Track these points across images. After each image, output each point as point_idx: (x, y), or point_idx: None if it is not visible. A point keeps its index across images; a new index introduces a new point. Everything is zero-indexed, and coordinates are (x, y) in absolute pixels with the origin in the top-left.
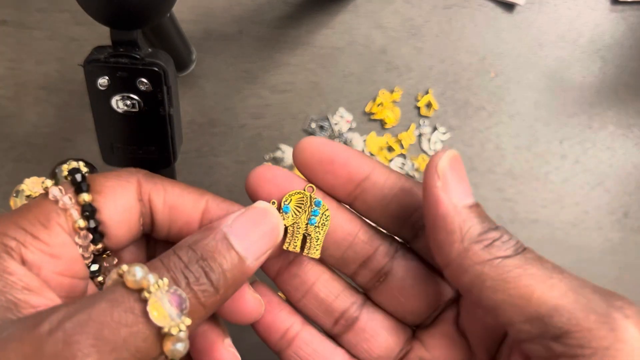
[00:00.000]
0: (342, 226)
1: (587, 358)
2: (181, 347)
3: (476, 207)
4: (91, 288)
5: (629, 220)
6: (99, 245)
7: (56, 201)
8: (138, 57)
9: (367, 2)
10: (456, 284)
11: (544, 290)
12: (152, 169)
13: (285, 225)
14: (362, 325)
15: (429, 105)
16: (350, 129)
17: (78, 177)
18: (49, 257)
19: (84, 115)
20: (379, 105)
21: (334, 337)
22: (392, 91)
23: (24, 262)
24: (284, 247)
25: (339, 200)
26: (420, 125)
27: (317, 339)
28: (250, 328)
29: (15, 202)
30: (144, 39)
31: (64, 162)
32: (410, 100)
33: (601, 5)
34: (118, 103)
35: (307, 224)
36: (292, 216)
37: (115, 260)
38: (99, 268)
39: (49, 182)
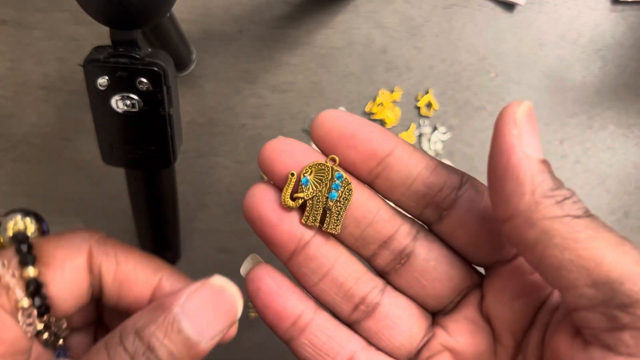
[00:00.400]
0: (363, 203)
1: None
2: None
3: (547, 163)
4: (36, 346)
5: (630, 220)
6: (44, 317)
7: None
8: (138, 57)
9: (367, 2)
10: (518, 239)
11: (616, 255)
12: (151, 169)
13: (304, 198)
14: (385, 311)
15: (429, 105)
16: None
17: (24, 247)
18: None
19: (84, 115)
20: (379, 105)
21: (351, 325)
22: (392, 91)
23: None
24: (302, 222)
25: (358, 178)
26: (420, 125)
27: (332, 326)
28: (250, 328)
29: None
30: (143, 38)
31: (10, 213)
32: (411, 100)
33: (601, 5)
34: (118, 103)
35: (327, 197)
36: (312, 189)
37: (65, 323)
38: (45, 325)
39: None
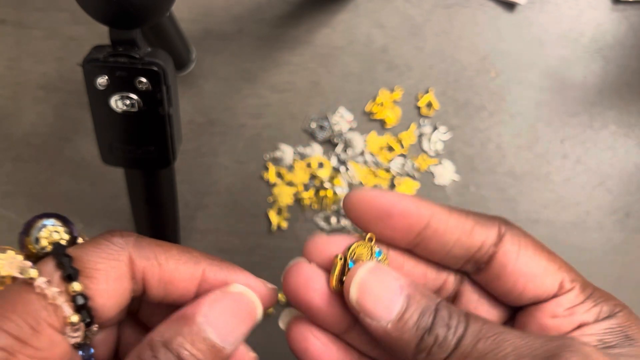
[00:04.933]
0: (411, 271)
1: None
2: None
3: (403, 314)
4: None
5: (631, 220)
6: (88, 328)
7: (43, 294)
8: (137, 56)
9: (367, 1)
10: None
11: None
12: (151, 169)
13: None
14: None
15: (429, 104)
16: (350, 129)
17: (66, 261)
18: None
19: (83, 115)
20: (379, 104)
21: None
22: (392, 90)
23: None
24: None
25: (399, 247)
26: (420, 125)
27: None
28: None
29: None
30: (143, 38)
31: (36, 219)
32: (411, 99)
33: (603, 5)
34: (117, 103)
35: None
36: None
37: (97, 326)
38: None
39: (33, 272)
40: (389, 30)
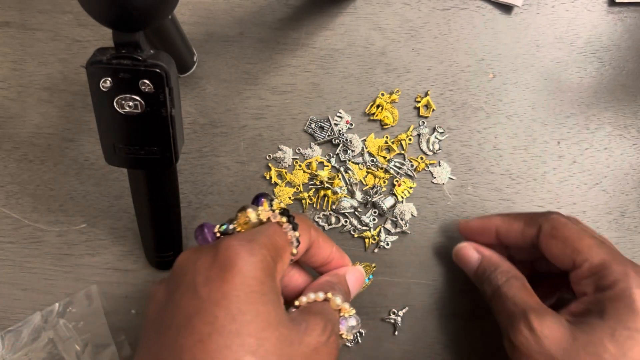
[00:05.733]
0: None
1: None
2: (353, 322)
3: None
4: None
5: (626, 220)
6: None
7: (285, 231)
8: (140, 58)
9: (366, 4)
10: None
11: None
12: (154, 169)
13: None
14: None
15: (427, 106)
16: (349, 129)
17: (291, 219)
18: (281, 272)
19: (87, 116)
20: (378, 107)
21: None
22: (391, 92)
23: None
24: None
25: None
26: (419, 125)
27: None
28: None
29: (249, 218)
30: (146, 40)
31: (264, 195)
32: (409, 101)
33: (598, 7)
34: (120, 104)
35: None
36: None
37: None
38: None
39: (282, 219)
40: (388, 33)
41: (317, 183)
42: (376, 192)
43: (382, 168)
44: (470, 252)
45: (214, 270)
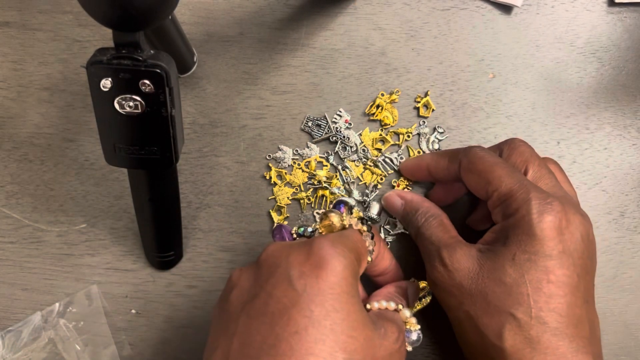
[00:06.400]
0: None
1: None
2: (415, 337)
3: None
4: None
5: (626, 220)
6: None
7: (364, 239)
8: (140, 59)
9: (366, 4)
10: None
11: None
12: (154, 169)
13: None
14: None
15: (427, 106)
16: (347, 128)
17: (368, 227)
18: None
19: (87, 116)
20: (377, 107)
21: None
22: (391, 92)
23: None
24: None
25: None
26: (419, 125)
27: None
28: None
29: (333, 222)
30: (146, 40)
31: (344, 202)
32: (409, 101)
33: (598, 7)
34: (121, 104)
35: None
36: None
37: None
38: None
39: (363, 227)
40: (388, 33)
41: (316, 183)
42: (372, 191)
43: (373, 161)
44: (395, 199)
45: (307, 266)
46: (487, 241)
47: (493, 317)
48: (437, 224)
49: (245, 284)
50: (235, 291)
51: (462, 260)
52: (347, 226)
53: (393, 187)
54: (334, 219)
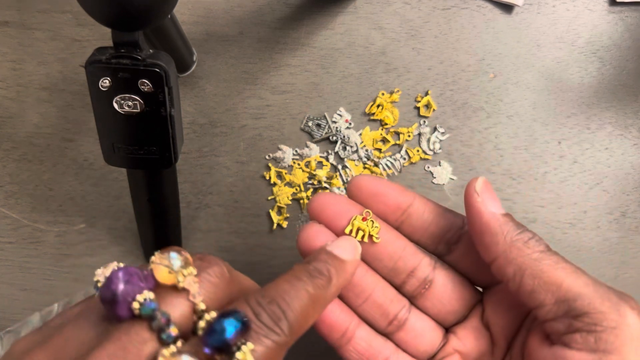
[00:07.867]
0: (394, 242)
1: (598, 333)
2: None
3: (509, 215)
4: None
5: (627, 220)
6: None
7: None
8: (139, 58)
9: (366, 4)
10: (501, 274)
11: (571, 280)
12: (153, 169)
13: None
14: (412, 325)
15: (427, 105)
16: (347, 128)
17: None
18: None
19: (86, 116)
20: (378, 106)
21: (386, 335)
22: (391, 92)
23: None
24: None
25: (388, 223)
26: (420, 125)
27: (371, 335)
28: None
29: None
30: (145, 40)
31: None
32: (410, 101)
33: (599, 7)
34: (120, 104)
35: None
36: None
37: None
38: None
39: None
40: (388, 33)
41: (316, 183)
42: None
43: (374, 162)
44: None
45: None
46: None
47: None
48: None
49: None
50: None
51: None
52: (179, 286)
53: None
54: (160, 272)
